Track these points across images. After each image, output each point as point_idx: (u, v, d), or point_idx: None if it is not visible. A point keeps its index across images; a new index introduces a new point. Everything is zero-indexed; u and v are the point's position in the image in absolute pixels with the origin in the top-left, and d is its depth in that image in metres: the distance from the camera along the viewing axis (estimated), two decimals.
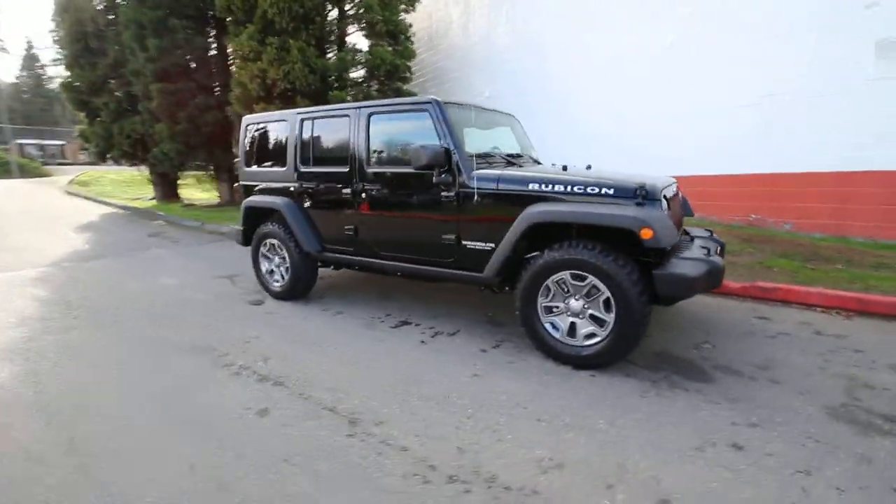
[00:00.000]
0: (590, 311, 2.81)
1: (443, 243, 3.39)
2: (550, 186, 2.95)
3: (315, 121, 4.07)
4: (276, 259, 4.47)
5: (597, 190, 2.82)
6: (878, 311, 3.66)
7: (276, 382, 2.80)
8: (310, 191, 4.12)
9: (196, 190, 15.39)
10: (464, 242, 3.31)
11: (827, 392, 2.54)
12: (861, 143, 5.34)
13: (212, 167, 12.53)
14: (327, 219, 4.09)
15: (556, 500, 1.77)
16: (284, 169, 4.28)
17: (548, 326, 2.95)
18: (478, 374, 2.84)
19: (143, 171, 14.31)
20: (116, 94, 12.72)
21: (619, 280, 2.62)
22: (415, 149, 3.20)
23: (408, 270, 3.71)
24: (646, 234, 2.53)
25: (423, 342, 3.39)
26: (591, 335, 2.81)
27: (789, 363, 2.88)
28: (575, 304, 2.85)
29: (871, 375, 2.72)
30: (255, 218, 4.61)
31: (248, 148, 4.67)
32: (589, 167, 3.54)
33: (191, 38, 10.59)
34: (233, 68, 10.69)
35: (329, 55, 9.53)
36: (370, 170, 3.70)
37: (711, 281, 2.77)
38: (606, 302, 2.72)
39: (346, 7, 9.12)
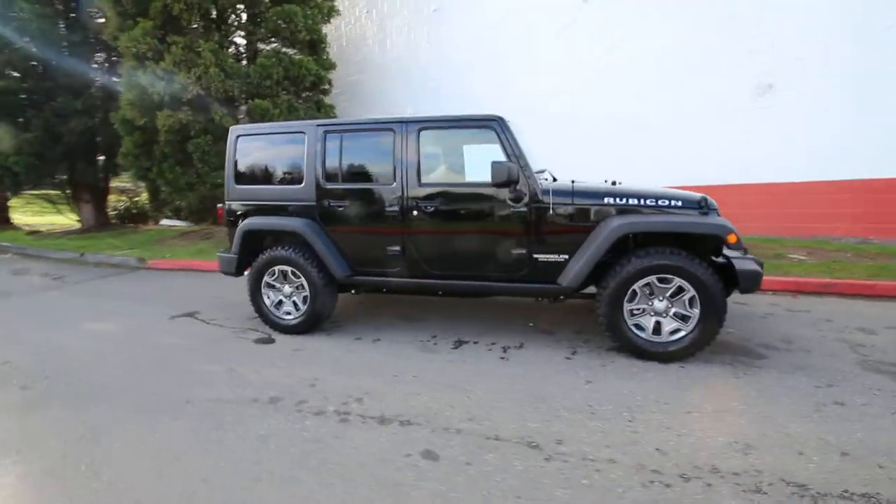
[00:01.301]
0: (673, 310, 3.15)
1: (513, 258, 3.43)
2: (625, 200, 3.24)
3: (344, 134, 3.75)
4: (287, 288, 3.94)
5: (667, 202, 3.20)
6: (809, 290, 4.79)
7: (402, 422, 2.52)
8: (338, 210, 3.76)
9: (31, 213, 12.29)
10: (535, 256, 3.40)
11: (844, 353, 3.28)
12: (751, 160, 6.87)
13: (69, 186, 10.17)
14: (362, 240, 3.77)
15: (777, 473, 2.00)
16: (300, 186, 3.83)
17: (633, 328, 3.21)
18: (590, 381, 2.96)
19: None
20: None
21: (705, 279, 3.01)
22: (498, 166, 3.20)
23: (467, 288, 3.64)
24: (732, 238, 2.97)
25: (502, 358, 3.37)
26: (675, 331, 3.15)
27: (801, 336, 3.62)
28: (659, 304, 3.16)
29: (855, 337, 3.58)
30: (252, 243, 4.02)
31: (238, 163, 4.04)
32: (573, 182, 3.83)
33: (47, 28, 8.54)
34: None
35: (242, 61, 8.61)
36: (423, 186, 3.55)
37: None
38: (691, 300, 3.09)
39: (265, 12, 8.35)
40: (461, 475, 2.06)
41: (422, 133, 3.55)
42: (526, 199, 3.35)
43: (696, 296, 3.05)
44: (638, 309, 3.21)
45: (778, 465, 2.07)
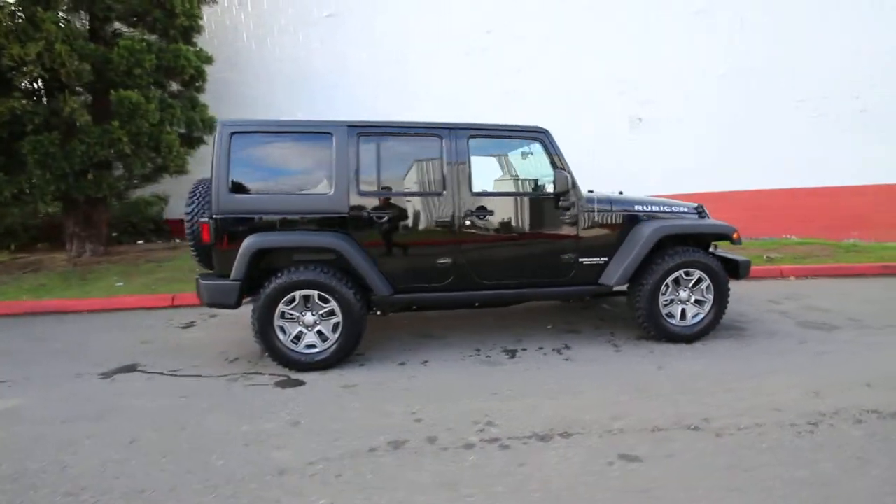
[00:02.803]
0: (694, 298, 3.75)
1: (562, 262, 3.61)
2: (651, 207, 3.75)
3: (382, 138, 3.37)
4: (309, 317, 3.31)
5: (680, 209, 3.82)
6: None
7: (562, 435, 2.42)
8: (378, 222, 3.35)
9: None
10: (581, 259, 3.64)
11: (807, 315, 4.35)
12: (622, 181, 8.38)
13: None
14: (408, 253, 3.44)
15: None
16: (327, 195, 3.29)
17: (666, 317, 3.70)
18: (661, 367, 3.30)
19: None
20: None
21: (717, 270, 3.68)
22: (560, 175, 3.33)
23: (518, 296, 3.66)
24: (736, 236, 3.70)
25: (566, 360, 3.48)
26: (695, 315, 3.75)
27: (774, 308, 4.64)
28: (683, 294, 3.72)
29: (787, 307, 4.74)
30: (257, 265, 3.28)
31: (234, 167, 3.24)
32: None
33: None
34: None
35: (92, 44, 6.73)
36: (474, 195, 3.45)
37: None
38: (706, 288, 3.72)
39: None
40: (671, 468, 2.13)
41: (470, 141, 3.45)
42: (574, 208, 3.57)
43: (711, 284, 3.71)
44: (668, 300, 3.72)
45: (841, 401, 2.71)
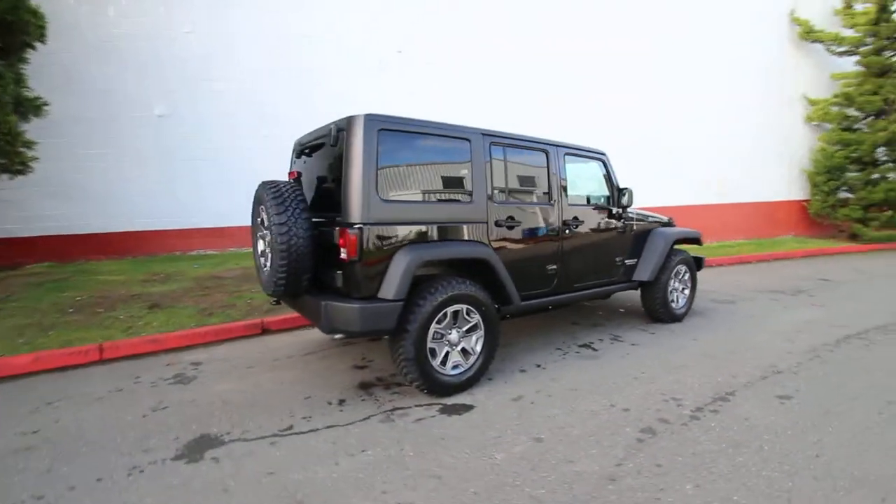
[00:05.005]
0: (681, 287, 4.92)
1: (615, 264, 4.29)
2: (657, 218, 4.79)
3: (507, 148, 3.39)
4: (454, 334, 3.07)
5: (666, 220, 4.98)
6: None
7: (728, 393, 3.05)
8: (507, 231, 3.36)
9: None
10: (626, 261, 4.39)
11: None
12: None
13: None
14: (529, 261, 3.52)
15: None
16: (470, 204, 3.14)
17: (671, 303, 4.75)
18: (695, 339, 4.27)
19: None
20: None
21: (692, 264, 4.95)
22: (628, 191, 4.03)
23: (592, 295, 4.13)
24: (702, 239, 5.04)
25: (633, 345, 4.10)
26: (684, 299, 4.93)
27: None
28: (678, 284, 4.85)
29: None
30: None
31: (382, 168, 2.77)
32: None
33: None
34: None
35: None
36: (571, 206, 3.80)
37: None
38: (689, 277, 4.95)
39: None
40: (811, 379, 3.02)
41: (566, 157, 3.81)
42: (623, 219, 4.30)
43: (691, 275, 4.96)
44: (674, 289, 4.79)
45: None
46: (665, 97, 10.41)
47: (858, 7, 10.79)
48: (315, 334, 4.52)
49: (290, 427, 2.66)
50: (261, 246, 3.28)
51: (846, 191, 10.96)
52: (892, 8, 10.27)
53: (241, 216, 7.70)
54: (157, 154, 7.62)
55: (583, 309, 5.50)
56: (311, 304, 2.94)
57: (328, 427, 2.65)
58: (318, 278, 3.05)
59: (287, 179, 3.19)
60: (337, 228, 2.76)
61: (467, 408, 2.90)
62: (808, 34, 11.02)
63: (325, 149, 3.12)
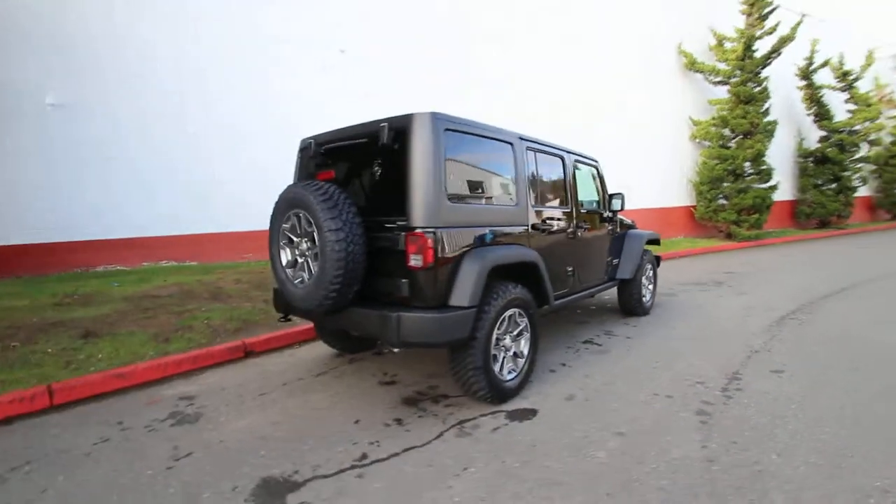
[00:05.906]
0: (647, 283, 5.41)
1: (606, 264, 4.59)
2: (628, 221, 5.21)
3: (537, 154, 3.45)
4: (507, 340, 3.04)
5: (631, 222, 5.46)
6: None
7: (737, 372, 3.44)
8: (541, 234, 3.42)
9: None
10: (613, 260, 4.72)
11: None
12: None
13: None
14: (556, 262, 3.61)
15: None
16: (516, 208, 3.14)
17: (643, 297, 5.20)
18: (672, 328, 4.73)
19: None
20: None
21: (654, 262, 5.48)
22: (621, 196, 4.35)
23: (591, 293, 4.34)
24: (660, 238, 5.59)
25: (628, 338, 4.41)
26: (650, 293, 5.42)
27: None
28: (646, 280, 5.33)
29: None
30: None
31: (449, 170, 2.64)
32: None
33: None
34: None
35: None
36: (580, 211, 3.98)
37: None
38: (653, 275, 5.46)
39: None
40: (796, 354, 3.54)
41: (576, 164, 3.99)
42: (612, 221, 4.62)
43: (654, 272, 5.48)
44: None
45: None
46: (575, 113, 11.32)
47: (728, 45, 12.94)
48: (309, 352, 4.13)
49: (365, 455, 2.39)
50: (287, 256, 2.91)
51: (723, 198, 13.00)
52: (754, 48, 12.50)
53: (157, 225, 6.69)
54: (44, 151, 6.32)
55: (563, 309, 5.76)
56: (366, 316, 2.68)
57: (406, 450, 2.44)
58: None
59: (323, 181, 2.87)
60: (404, 233, 2.56)
61: (531, 412, 2.87)
62: (692, 65, 12.92)
63: (365, 148, 2.89)
